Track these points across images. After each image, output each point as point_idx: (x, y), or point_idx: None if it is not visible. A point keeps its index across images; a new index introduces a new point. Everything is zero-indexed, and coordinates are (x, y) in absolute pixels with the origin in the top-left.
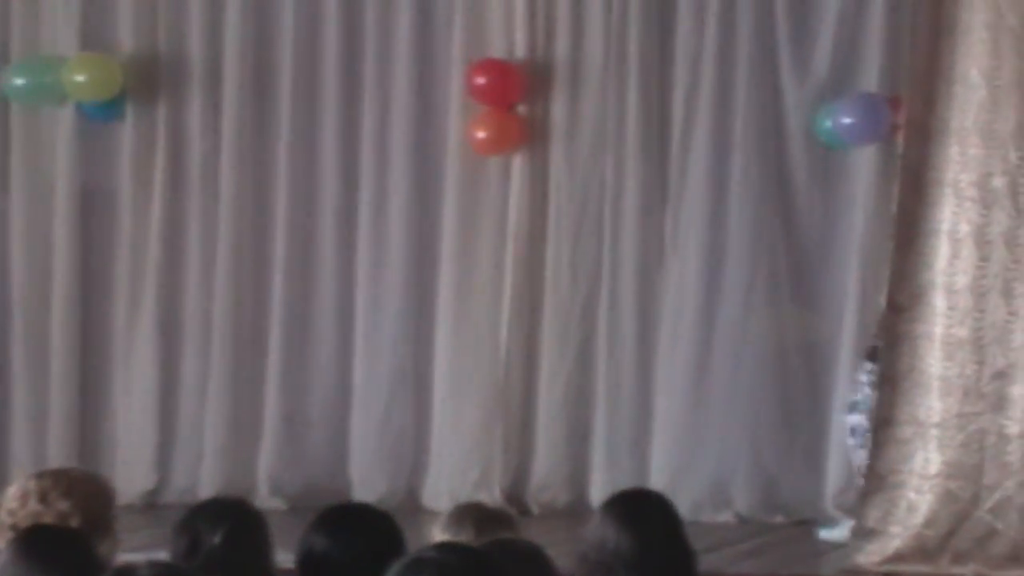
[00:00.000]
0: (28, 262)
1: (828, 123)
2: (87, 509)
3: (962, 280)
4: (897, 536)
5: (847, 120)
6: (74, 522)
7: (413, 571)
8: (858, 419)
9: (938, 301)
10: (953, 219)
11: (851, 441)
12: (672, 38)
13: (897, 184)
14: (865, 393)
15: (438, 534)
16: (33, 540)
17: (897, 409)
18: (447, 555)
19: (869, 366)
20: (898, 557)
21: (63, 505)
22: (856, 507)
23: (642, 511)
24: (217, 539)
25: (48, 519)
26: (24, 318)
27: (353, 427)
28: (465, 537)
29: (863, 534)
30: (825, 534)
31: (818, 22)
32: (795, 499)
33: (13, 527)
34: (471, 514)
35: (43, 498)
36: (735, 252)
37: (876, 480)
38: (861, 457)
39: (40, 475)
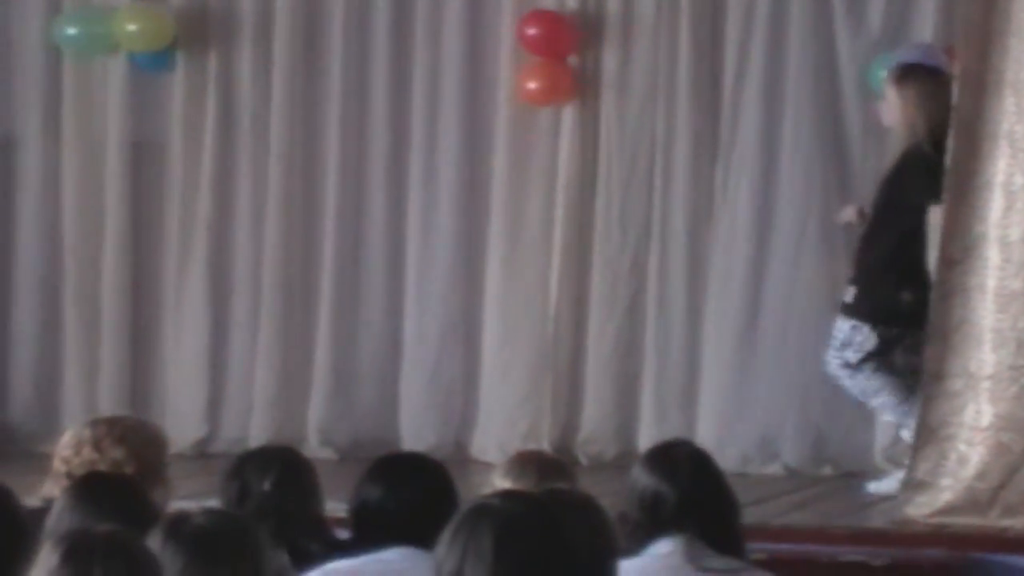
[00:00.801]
0: (79, 212)
1: (882, 74)
2: (141, 456)
3: (1016, 232)
4: (948, 488)
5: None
6: (128, 469)
7: (475, 518)
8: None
9: (991, 253)
10: (1008, 171)
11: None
12: None
13: (951, 136)
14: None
15: (499, 480)
16: (88, 487)
17: (948, 362)
18: (509, 503)
19: (843, 323)
20: (949, 509)
21: (117, 452)
22: (906, 459)
23: (678, 462)
24: (267, 485)
25: (102, 466)
26: (75, 269)
27: (403, 379)
28: (525, 484)
29: (913, 486)
30: (874, 487)
31: None
32: (844, 452)
33: (68, 475)
34: (533, 462)
35: (97, 445)
36: (786, 205)
37: (927, 433)
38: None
39: (94, 423)
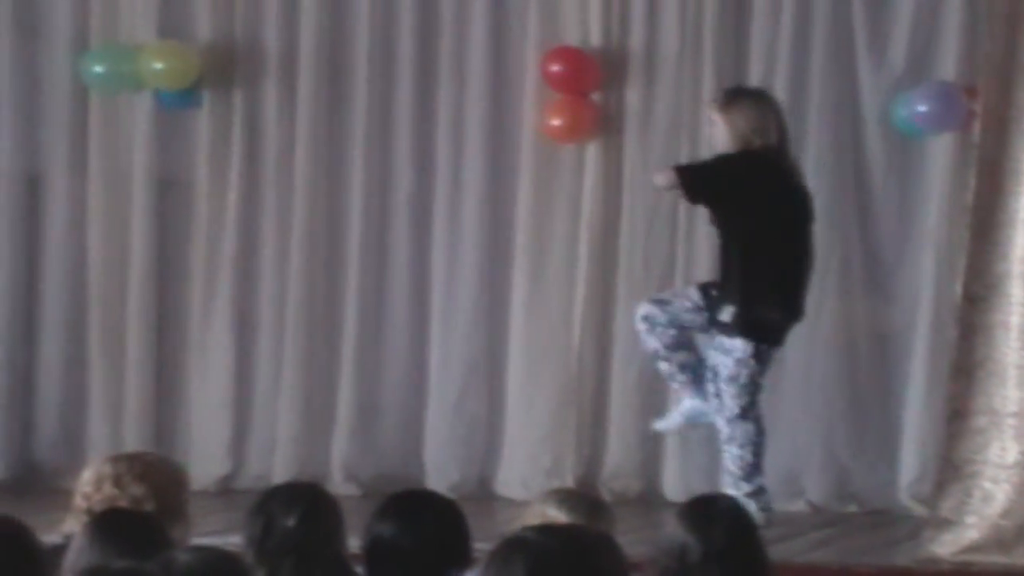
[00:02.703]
0: (105, 249)
1: (904, 112)
2: (161, 493)
3: None
4: (973, 526)
5: (923, 109)
6: (148, 506)
7: (509, 551)
8: (651, 311)
9: (1015, 290)
10: None
11: (639, 326)
12: (747, 26)
13: (973, 173)
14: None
15: (552, 511)
16: (107, 524)
17: (971, 399)
18: (543, 537)
19: (693, 292)
20: (974, 548)
21: (137, 489)
22: (932, 497)
23: (713, 517)
24: (291, 522)
25: (123, 503)
26: (101, 305)
27: (427, 415)
28: (575, 519)
29: (938, 524)
30: (660, 424)
31: (895, 10)
32: (868, 489)
33: (88, 511)
34: (585, 498)
35: (118, 482)
36: None
37: (951, 470)
38: (648, 344)
39: (115, 459)
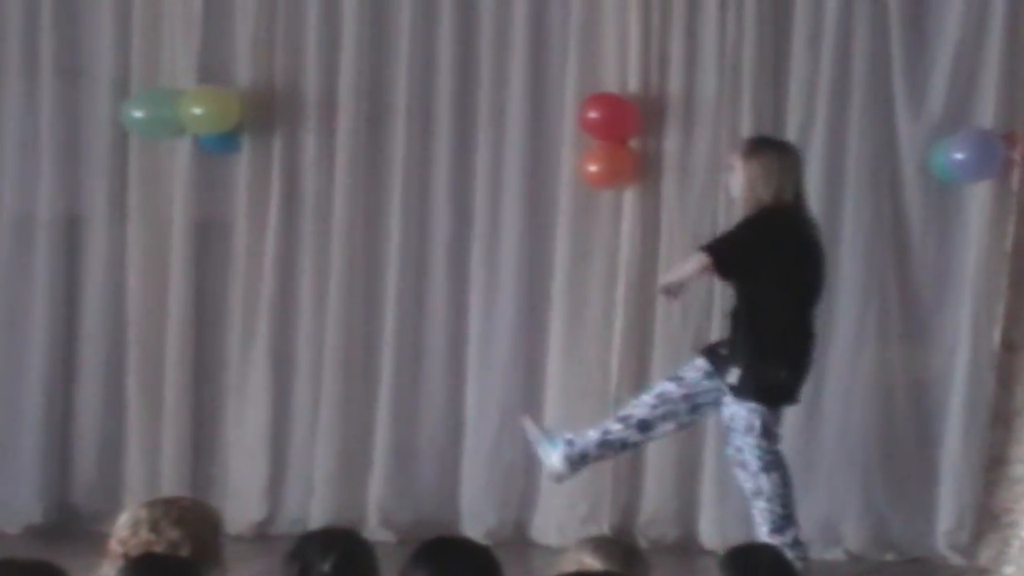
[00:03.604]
0: (143, 292)
1: (942, 159)
2: (198, 538)
3: None
4: None
5: (961, 156)
6: (184, 551)
7: None
8: (670, 388)
9: None
10: None
11: (646, 398)
12: (786, 73)
13: (1012, 221)
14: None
15: (588, 559)
16: (143, 568)
17: (1010, 448)
18: None
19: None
20: None
21: (174, 534)
22: (969, 547)
23: (755, 567)
24: (327, 567)
25: (159, 548)
26: (139, 348)
27: (463, 460)
28: (611, 566)
29: (976, 573)
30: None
31: (933, 57)
32: (906, 537)
33: (125, 555)
34: (618, 548)
35: (154, 527)
36: (846, 288)
37: (989, 519)
38: (636, 410)
39: (151, 504)
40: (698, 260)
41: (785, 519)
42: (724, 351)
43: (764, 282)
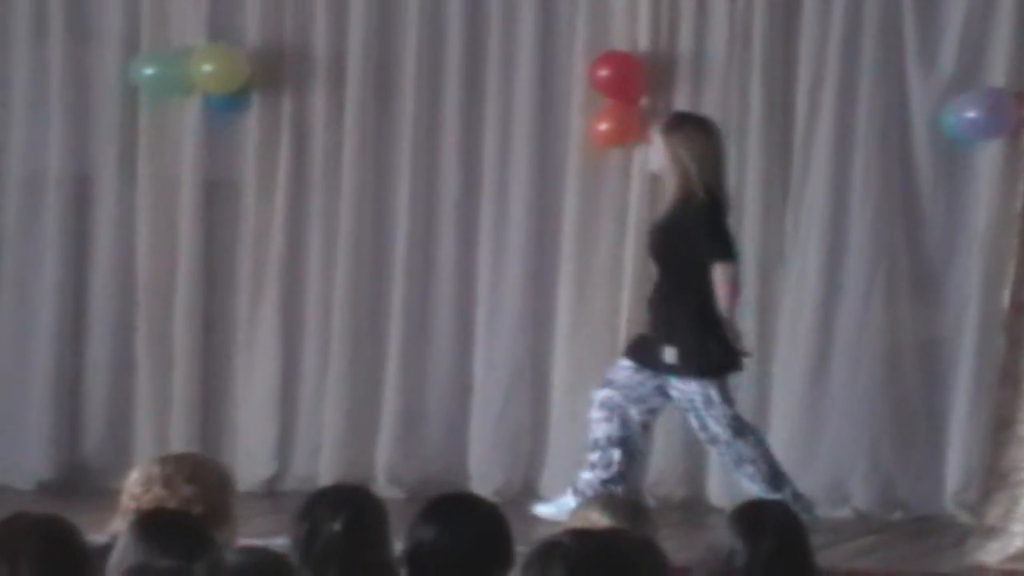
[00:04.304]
0: (153, 251)
1: (953, 118)
2: (209, 494)
3: None
4: (1019, 535)
5: (972, 115)
6: (197, 508)
7: (547, 555)
8: (607, 394)
9: None
10: None
11: (595, 415)
12: (797, 32)
13: (1022, 180)
14: (620, 375)
15: (596, 515)
16: (151, 524)
17: (1019, 407)
18: (580, 541)
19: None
20: (1020, 556)
21: (187, 490)
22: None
23: (764, 523)
24: (337, 526)
25: (172, 504)
26: (148, 307)
27: (472, 419)
28: (619, 523)
29: (984, 532)
30: (542, 510)
31: (946, 17)
32: (914, 496)
33: (136, 511)
34: (625, 504)
35: (168, 483)
36: (856, 249)
37: (997, 479)
38: (597, 432)
39: (163, 460)
40: (729, 272)
41: (777, 475)
42: (651, 335)
43: (696, 263)
